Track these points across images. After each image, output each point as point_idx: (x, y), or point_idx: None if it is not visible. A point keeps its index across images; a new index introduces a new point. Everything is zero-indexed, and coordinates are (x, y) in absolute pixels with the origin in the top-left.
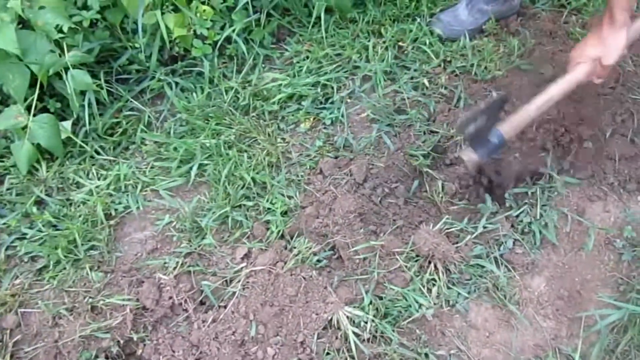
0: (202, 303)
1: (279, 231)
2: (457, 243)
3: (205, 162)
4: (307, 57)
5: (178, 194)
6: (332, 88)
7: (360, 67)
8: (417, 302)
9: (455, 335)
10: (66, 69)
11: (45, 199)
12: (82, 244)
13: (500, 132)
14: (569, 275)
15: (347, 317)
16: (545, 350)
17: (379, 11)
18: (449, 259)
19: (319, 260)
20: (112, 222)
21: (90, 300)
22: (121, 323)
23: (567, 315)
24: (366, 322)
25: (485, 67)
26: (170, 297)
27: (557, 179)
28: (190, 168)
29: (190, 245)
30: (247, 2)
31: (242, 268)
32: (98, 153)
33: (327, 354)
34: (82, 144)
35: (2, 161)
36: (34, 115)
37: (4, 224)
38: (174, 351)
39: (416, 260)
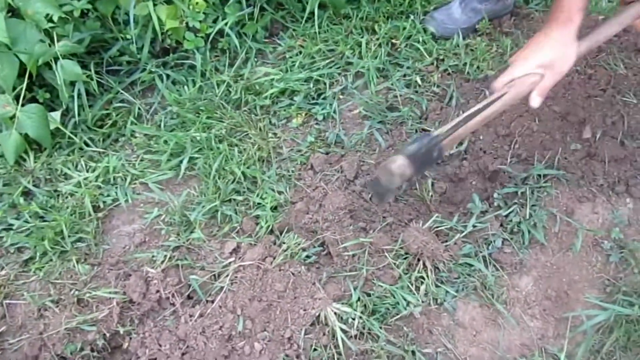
0: (189, 297)
1: (269, 226)
2: (446, 241)
3: (196, 155)
4: (300, 52)
5: (167, 187)
6: (325, 84)
7: (353, 63)
8: (405, 299)
9: (442, 334)
10: (56, 59)
11: (32, 189)
12: (69, 236)
13: (441, 147)
14: (556, 276)
15: (335, 313)
16: (531, 349)
17: (372, 8)
18: (438, 257)
19: (308, 256)
20: (100, 214)
21: (77, 292)
22: (107, 316)
23: (554, 315)
24: (354, 319)
25: (478, 67)
26: (158, 291)
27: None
28: (181, 161)
29: (179, 239)
30: None
31: (230, 263)
32: (87, 145)
33: (314, 350)
34: (71, 135)
35: None
36: (23, 105)
37: None
38: (160, 345)
39: (405, 258)
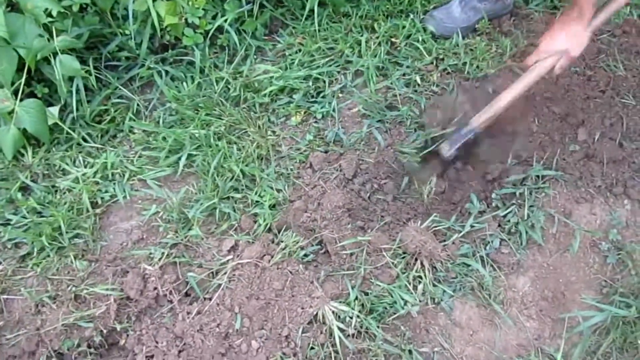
0: (187, 295)
1: (267, 224)
2: (444, 241)
3: (194, 152)
4: (300, 50)
5: (166, 184)
6: (324, 82)
7: (353, 61)
8: (402, 298)
9: (439, 333)
10: (54, 54)
11: (30, 185)
12: (67, 232)
13: (474, 127)
14: (553, 277)
15: (333, 312)
16: (528, 350)
17: (372, 6)
18: (436, 257)
19: (306, 255)
20: (97, 210)
21: (74, 288)
22: (104, 313)
23: (550, 316)
24: (351, 318)
25: (477, 66)
26: (155, 288)
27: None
28: (179, 158)
29: (177, 236)
30: None
31: (228, 260)
32: (85, 140)
33: (312, 348)
34: (69, 131)
35: None
36: (21, 100)
37: None
38: (157, 342)
39: (403, 257)
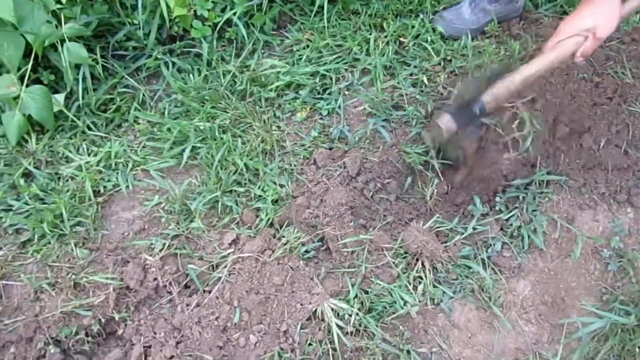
0: (186, 287)
1: (269, 219)
2: (445, 242)
3: (199, 145)
4: (308, 46)
5: (169, 176)
6: (331, 79)
7: (361, 59)
8: (402, 298)
9: (437, 334)
10: (62, 41)
11: (33, 171)
12: (69, 220)
13: (482, 102)
14: (554, 282)
15: (332, 309)
16: (525, 354)
17: (382, 5)
18: (437, 258)
19: (307, 251)
20: (100, 199)
21: (74, 276)
22: (103, 301)
23: (549, 320)
24: (350, 316)
25: (485, 70)
26: (155, 279)
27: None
28: (183, 150)
29: (178, 228)
30: None
31: (229, 254)
32: (90, 129)
33: (310, 344)
34: (74, 119)
35: None
36: (27, 86)
37: None
38: (155, 333)
39: (404, 257)
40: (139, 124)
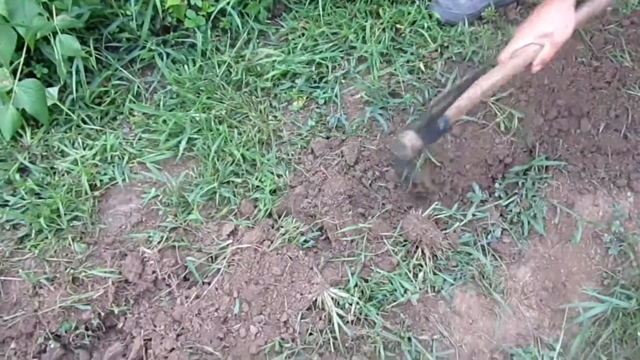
0: (185, 279)
1: (267, 209)
2: (445, 230)
3: (195, 136)
4: (303, 35)
5: (165, 168)
6: (327, 67)
7: (357, 47)
8: (402, 286)
9: (438, 321)
10: (54, 34)
11: (28, 166)
12: (65, 214)
13: (446, 116)
14: (554, 267)
15: (332, 298)
16: (527, 339)
17: None
18: (437, 245)
19: (306, 241)
20: (96, 193)
21: (72, 271)
22: (102, 295)
23: (550, 306)
24: (351, 304)
25: (482, 55)
26: (154, 272)
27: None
28: (179, 142)
29: (176, 220)
30: None
31: (227, 245)
32: (84, 122)
33: (310, 334)
34: (69, 112)
35: None
36: (20, 79)
37: None
38: (155, 326)
39: (404, 245)
40: (134, 116)
